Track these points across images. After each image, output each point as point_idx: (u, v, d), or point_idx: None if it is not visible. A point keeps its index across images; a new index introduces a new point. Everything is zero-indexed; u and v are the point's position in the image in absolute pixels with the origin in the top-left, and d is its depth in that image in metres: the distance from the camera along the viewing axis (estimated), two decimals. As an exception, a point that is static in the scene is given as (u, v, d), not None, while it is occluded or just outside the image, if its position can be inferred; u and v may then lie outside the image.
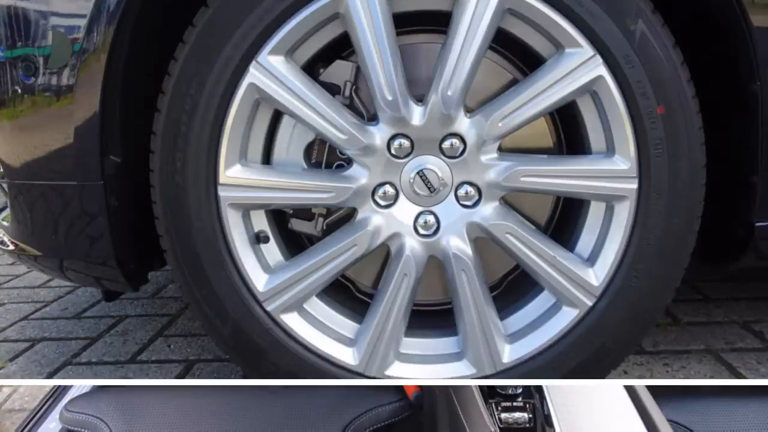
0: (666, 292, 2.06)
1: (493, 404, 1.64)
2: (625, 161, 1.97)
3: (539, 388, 1.60)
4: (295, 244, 2.27)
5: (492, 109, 1.98)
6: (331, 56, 2.11)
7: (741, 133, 2.08)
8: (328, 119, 1.96)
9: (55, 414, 2.18)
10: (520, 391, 1.67)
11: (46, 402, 2.25)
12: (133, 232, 2.19)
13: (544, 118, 2.18)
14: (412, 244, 2.06)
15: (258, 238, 2.12)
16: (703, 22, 2.14)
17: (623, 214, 2.00)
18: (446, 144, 2.01)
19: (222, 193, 2.00)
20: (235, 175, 2.01)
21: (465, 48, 1.92)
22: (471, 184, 2.04)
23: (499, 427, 1.59)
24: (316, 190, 2.02)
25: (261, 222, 2.14)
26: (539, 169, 2.01)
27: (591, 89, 1.95)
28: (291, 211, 2.19)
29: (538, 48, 2.02)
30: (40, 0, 2.01)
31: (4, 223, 2.34)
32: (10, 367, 2.86)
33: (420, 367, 2.13)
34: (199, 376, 2.63)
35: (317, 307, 2.17)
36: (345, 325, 2.18)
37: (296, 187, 2.03)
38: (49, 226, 2.14)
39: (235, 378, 2.60)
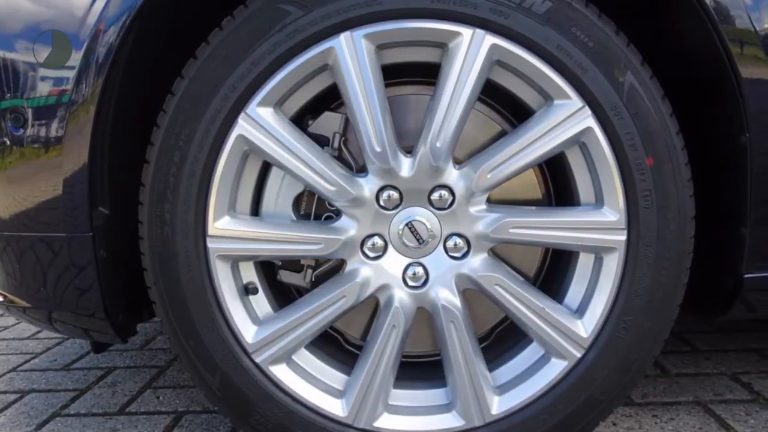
0: (655, 344, 2.05)
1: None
2: (613, 213, 1.97)
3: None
4: (284, 296, 2.28)
5: (481, 160, 1.98)
6: (319, 108, 2.12)
7: (730, 185, 2.08)
8: (317, 171, 1.97)
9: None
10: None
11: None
12: (121, 283, 2.18)
13: (533, 169, 2.19)
14: (401, 295, 2.06)
15: (247, 290, 2.12)
16: (692, 74, 2.14)
17: (612, 266, 2.00)
18: (435, 196, 2.01)
19: (210, 244, 2.00)
20: (224, 226, 2.01)
21: (454, 99, 1.92)
22: (460, 235, 2.05)
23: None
24: (304, 241, 2.02)
25: (250, 273, 2.14)
26: (528, 221, 2.01)
27: (580, 141, 1.96)
28: (280, 263, 2.19)
29: (526, 99, 2.03)
30: (29, 52, 2.02)
31: (-7, 275, 2.33)
32: (-2, 419, 2.85)
33: (409, 418, 2.11)
34: (188, 428, 2.62)
35: (306, 358, 2.17)
36: (334, 376, 2.17)
37: (285, 238, 2.02)
38: (37, 278, 2.13)
39: (224, 430, 2.58)
